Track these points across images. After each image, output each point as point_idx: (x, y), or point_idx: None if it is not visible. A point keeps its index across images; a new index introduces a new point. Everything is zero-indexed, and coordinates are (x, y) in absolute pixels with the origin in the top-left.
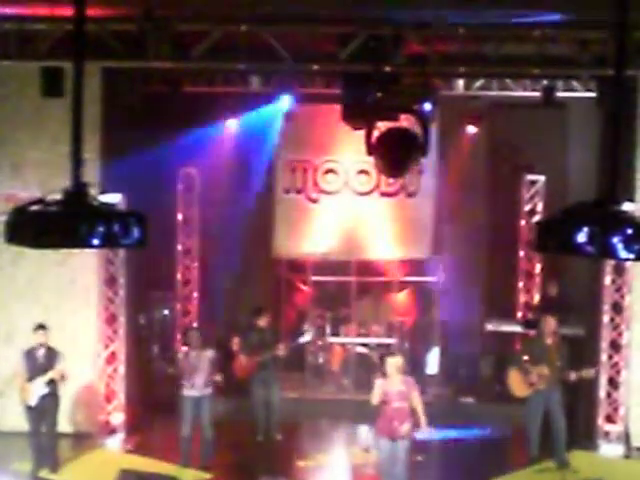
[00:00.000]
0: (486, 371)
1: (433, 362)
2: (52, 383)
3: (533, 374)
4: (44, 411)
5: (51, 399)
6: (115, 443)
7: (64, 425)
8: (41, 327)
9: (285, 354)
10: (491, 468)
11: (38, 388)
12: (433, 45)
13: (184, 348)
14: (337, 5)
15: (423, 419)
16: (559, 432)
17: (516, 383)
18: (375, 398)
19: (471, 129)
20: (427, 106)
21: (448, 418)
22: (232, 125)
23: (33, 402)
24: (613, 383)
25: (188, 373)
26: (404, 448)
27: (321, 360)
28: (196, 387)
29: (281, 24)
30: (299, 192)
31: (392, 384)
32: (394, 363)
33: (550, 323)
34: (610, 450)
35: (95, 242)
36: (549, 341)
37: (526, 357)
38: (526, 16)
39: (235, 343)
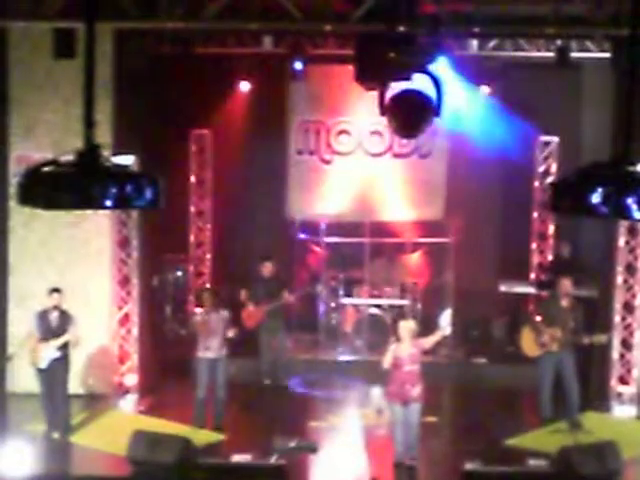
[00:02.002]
0: (499, 332)
1: (446, 323)
2: (64, 347)
3: (545, 335)
4: (55, 374)
5: (62, 363)
6: (128, 404)
7: (78, 387)
8: (55, 291)
9: (294, 302)
10: (503, 429)
11: (49, 351)
12: (447, 5)
13: (198, 309)
14: None
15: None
16: (572, 394)
17: (528, 343)
18: (387, 362)
19: (485, 90)
20: (440, 66)
21: (460, 379)
22: (244, 86)
23: (43, 365)
24: (626, 345)
25: (203, 335)
26: (416, 411)
27: (334, 321)
28: (212, 349)
29: None
30: (312, 153)
31: (404, 348)
32: (407, 327)
33: (565, 285)
34: (623, 411)
35: (108, 203)
36: (564, 303)
37: (540, 318)
38: None
39: (242, 294)
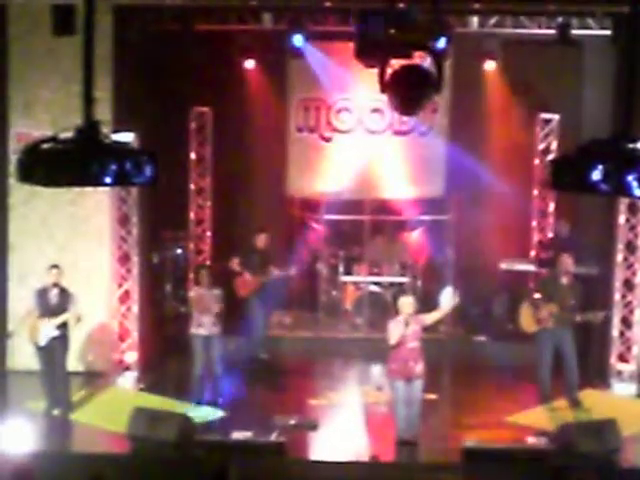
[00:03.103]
0: (499, 310)
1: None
2: (63, 325)
3: (543, 311)
4: (54, 352)
5: (60, 341)
6: (128, 382)
7: (78, 364)
8: (55, 267)
9: (295, 273)
10: (503, 407)
11: (48, 329)
12: None
13: (195, 287)
14: None
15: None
16: (571, 371)
17: (526, 319)
18: (394, 339)
19: (485, 67)
20: (441, 43)
21: (460, 356)
22: (245, 64)
23: (42, 342)
24: (626, 322)
25: (197, 312)
26: (419, 388)
27: (334, 299)
28: (204, 326)
29: None
30: (312, 131)
31: (406, 324)
32: (407, 303)
33: (566, 262)
34: (622, 389)
35: (107, 180)
36: (564, 280)
37: (539, 295)
38: None
39: (235, 263)
